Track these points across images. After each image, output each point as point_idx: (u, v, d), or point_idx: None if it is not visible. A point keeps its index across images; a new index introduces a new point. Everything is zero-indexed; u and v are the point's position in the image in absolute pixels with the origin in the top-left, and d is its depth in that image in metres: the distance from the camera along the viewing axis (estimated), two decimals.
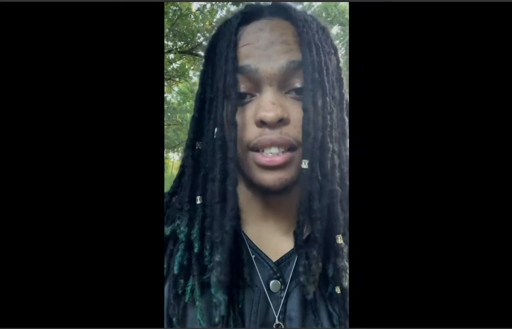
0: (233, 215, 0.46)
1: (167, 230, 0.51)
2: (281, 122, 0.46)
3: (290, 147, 0.47)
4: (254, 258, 0.51)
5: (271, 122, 0.45)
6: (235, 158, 0.47)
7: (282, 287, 0.50)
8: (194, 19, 5.72)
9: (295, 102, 0.48)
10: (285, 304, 0.49)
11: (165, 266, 0.49)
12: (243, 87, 0.48)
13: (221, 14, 5.93)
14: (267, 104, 0.46)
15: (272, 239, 0.53)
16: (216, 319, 0.46)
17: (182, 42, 6.13)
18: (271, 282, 0.50)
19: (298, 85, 0.47)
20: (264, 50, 0.47)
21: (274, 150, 0.46)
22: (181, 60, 6.64)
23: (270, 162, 0.46)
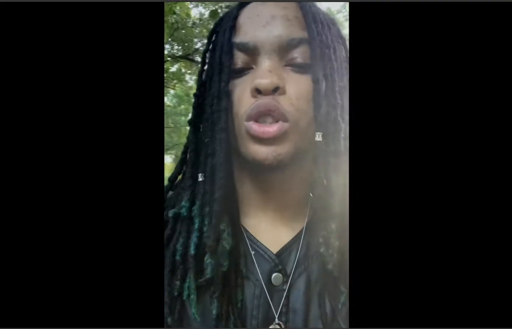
0: (222, 184, 0.46)
1: (171, 213, 0.50)
2: (276, 91, 0.44)
3: (282, 118, 0.44)
4: (254, 253, 0.49)
5: (266, 89, 0.44)
6: (226, 128, 0.46)
7: (285, 279, 0.48)
8: (192, 25, 5.79)
9: (293, 74, 0.46)
10: (288, 296, 0.47)
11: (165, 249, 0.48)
12: (240, 63, 0.47)
13: None
14: (263, 72, 0.45)
15: (272, 230, 0.51)
16: (214, 312, 0.44)
17: (180, 47, 6.20)
18: (273, 276, 0.48)
19: (299, 60, 0.46)
20: (264, 26, 0.46)
21: (268, 119, 0.44)
22: (178, 64, 6.70)
23: (263, 133, 0.44)
